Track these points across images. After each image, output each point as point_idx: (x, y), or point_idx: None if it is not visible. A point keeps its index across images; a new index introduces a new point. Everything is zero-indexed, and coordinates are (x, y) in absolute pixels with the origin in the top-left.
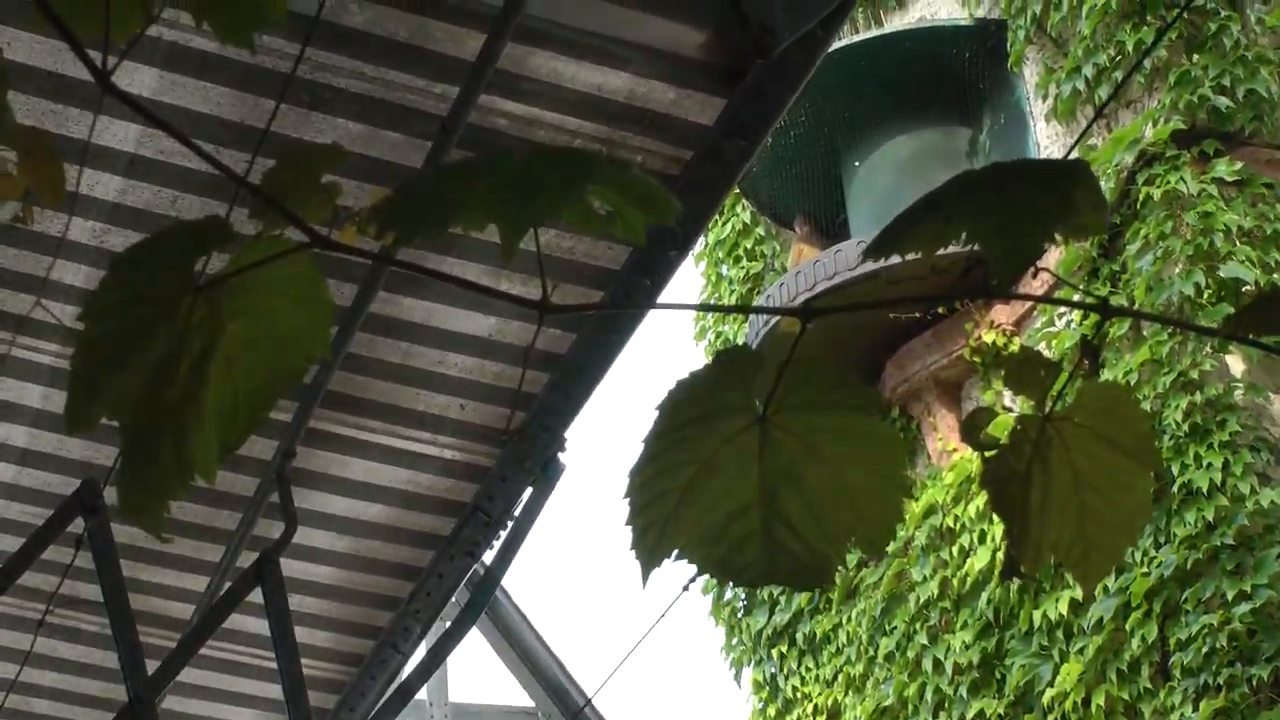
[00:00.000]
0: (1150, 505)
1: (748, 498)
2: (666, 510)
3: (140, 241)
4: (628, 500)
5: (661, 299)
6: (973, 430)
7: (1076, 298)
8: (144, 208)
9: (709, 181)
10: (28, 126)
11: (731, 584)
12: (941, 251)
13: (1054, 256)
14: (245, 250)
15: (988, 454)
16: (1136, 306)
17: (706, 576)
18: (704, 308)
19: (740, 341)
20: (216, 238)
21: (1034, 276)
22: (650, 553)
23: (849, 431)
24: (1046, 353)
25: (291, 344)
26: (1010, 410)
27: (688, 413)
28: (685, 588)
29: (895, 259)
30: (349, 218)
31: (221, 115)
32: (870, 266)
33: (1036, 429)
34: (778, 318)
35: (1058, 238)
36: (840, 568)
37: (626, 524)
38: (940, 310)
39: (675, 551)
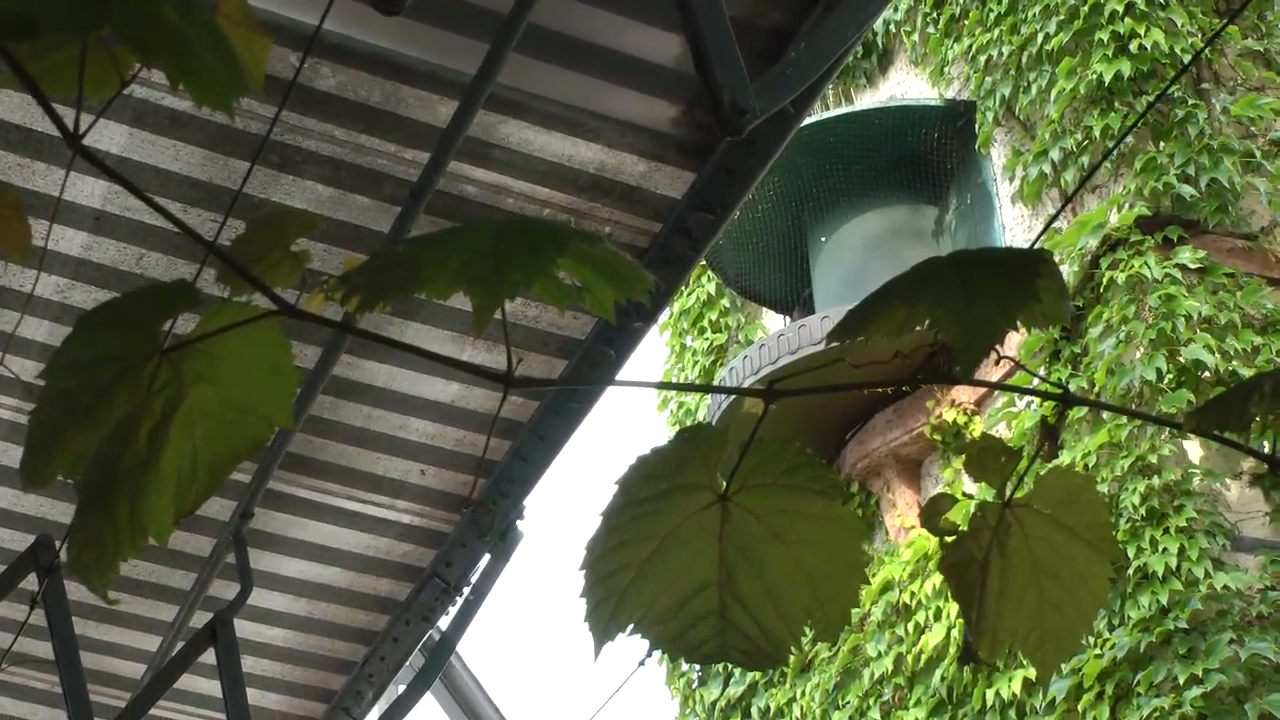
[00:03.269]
0: (1107, 594)
1: (707, 576)
2: (623, 585)
3: (107, 301)
4: (584, 573)
5: (626, 369)
6: (933, 516)
7: (1036, 383)
8: (109, 264)
9: (677, 254)
10: None
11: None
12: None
13: (1016, 339)
14: (212, 314)
15: (947, 540)
16: (1097, 390)
17: None
18: (666, 386)
19: (702, 414)
20: (183, 301)
21: (996, 363)
22: (604, 627)
23: (811, 514)
24: (1006, 433)
25: (254, 411)
26: (969, 493)
27: (649, 488)
28: (641, 663)
29: (860, 340)
30: (316, 283)
31: (190, 174)
32: (834, 345)
33: (996, 515)
34: None
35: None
36: (794, 649)
37: (581, 596)
38: (903, 388)
39: (630, 626)
